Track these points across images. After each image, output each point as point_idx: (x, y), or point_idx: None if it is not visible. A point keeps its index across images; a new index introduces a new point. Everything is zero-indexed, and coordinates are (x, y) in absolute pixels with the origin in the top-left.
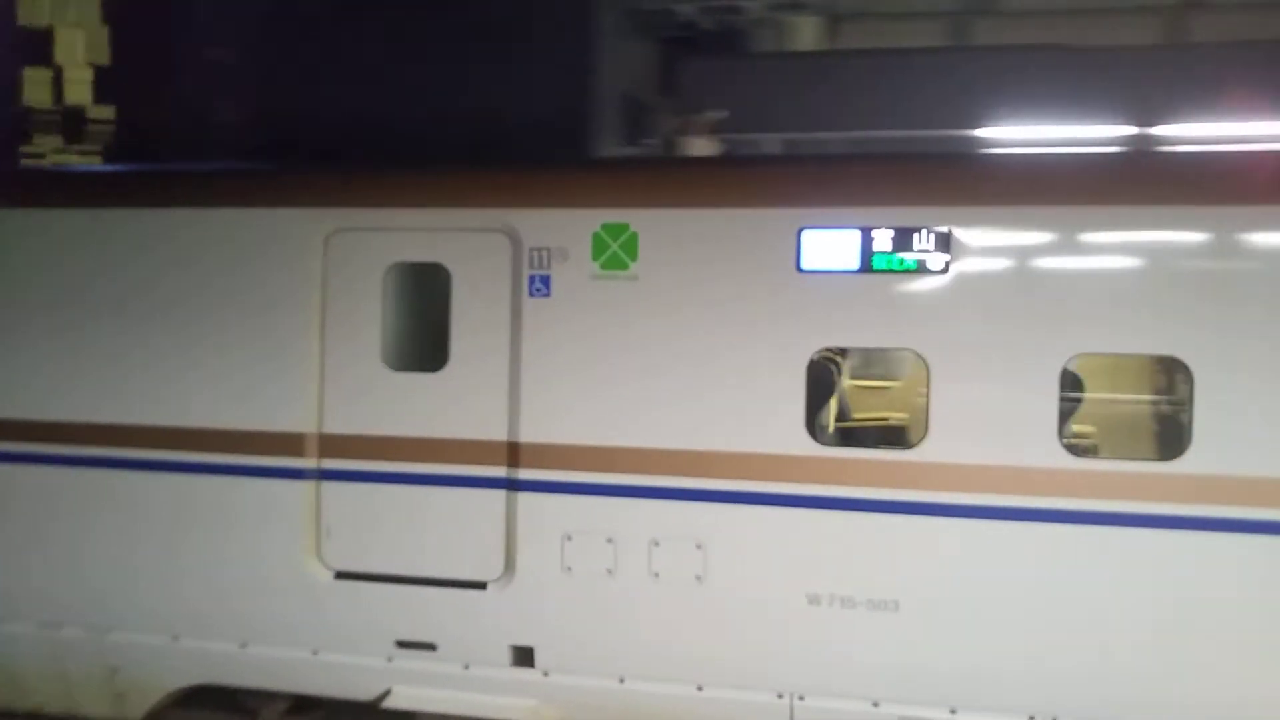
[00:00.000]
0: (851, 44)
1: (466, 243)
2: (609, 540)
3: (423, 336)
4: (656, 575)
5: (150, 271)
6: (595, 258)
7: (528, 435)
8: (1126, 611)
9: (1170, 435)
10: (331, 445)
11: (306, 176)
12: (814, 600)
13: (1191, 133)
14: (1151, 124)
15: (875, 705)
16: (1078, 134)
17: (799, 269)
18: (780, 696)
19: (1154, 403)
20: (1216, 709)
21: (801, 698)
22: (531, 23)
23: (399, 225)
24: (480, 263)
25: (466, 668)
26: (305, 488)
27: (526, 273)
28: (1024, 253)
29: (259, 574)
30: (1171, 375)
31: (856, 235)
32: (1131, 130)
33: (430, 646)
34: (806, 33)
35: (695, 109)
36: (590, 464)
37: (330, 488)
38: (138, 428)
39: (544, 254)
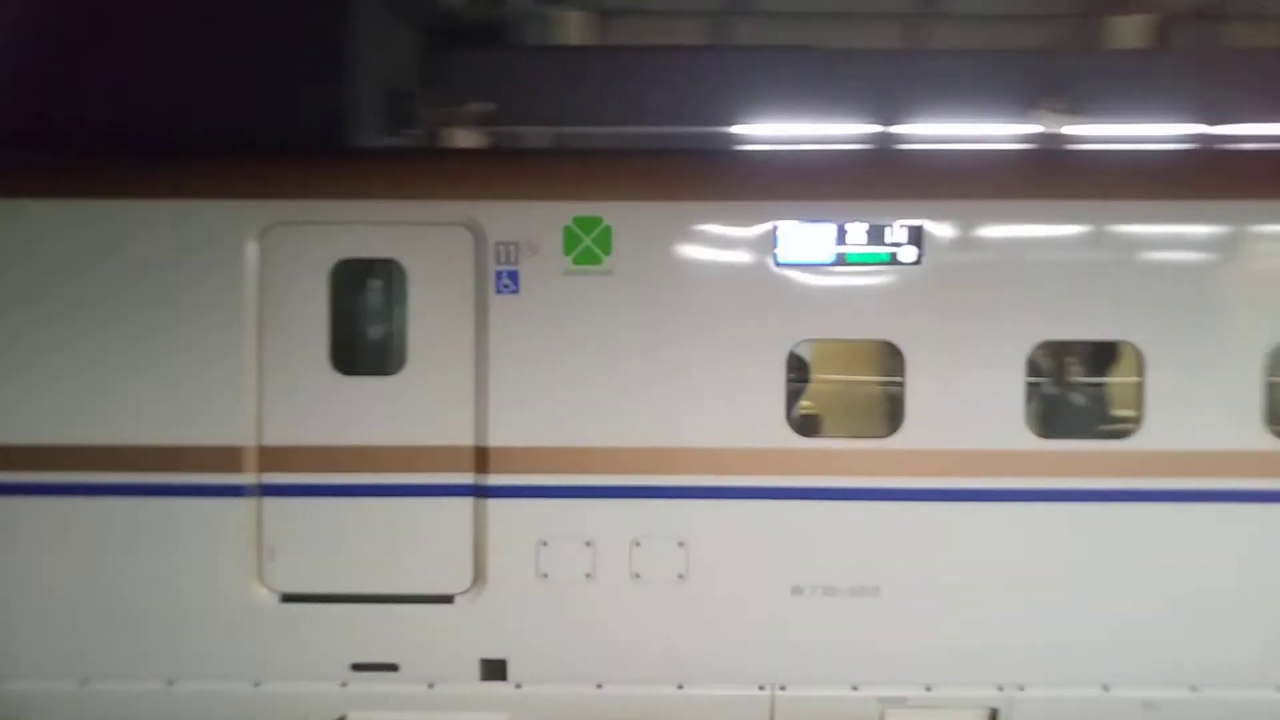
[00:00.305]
0: (618, 40)
1: (425, 238)
2: (588, 543)
3: (376, 337)
4: (638, 576)
5: (55, 270)
6: (567, 252)
7: (497, 439)
8: (1091, 582)
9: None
10: (274, 458)
11: (237, 165)
12: (797, 591)
13: (930, 132)
14: (893, 123)
15: (855, 689)
16: (828, 132)
17: (776, 263)
18: (762, 688)
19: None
20: (1178, 674)
21: (783, 688)
22: (285, 7)
23: (346, 219)
24: (441, 259)
25: (431, 686)
26: (244, 505)
27: (493, 269)
28: (991, 246)
29: (190, 603)
30: (1127, 359)
31: (832, 229)
32: (875, 129)
33: (391, 667)
34: (573, 27)
35: (461, 100)
36: (567, 466)
37: (273, 504)
38: (38, 447)
39: (511, 249)
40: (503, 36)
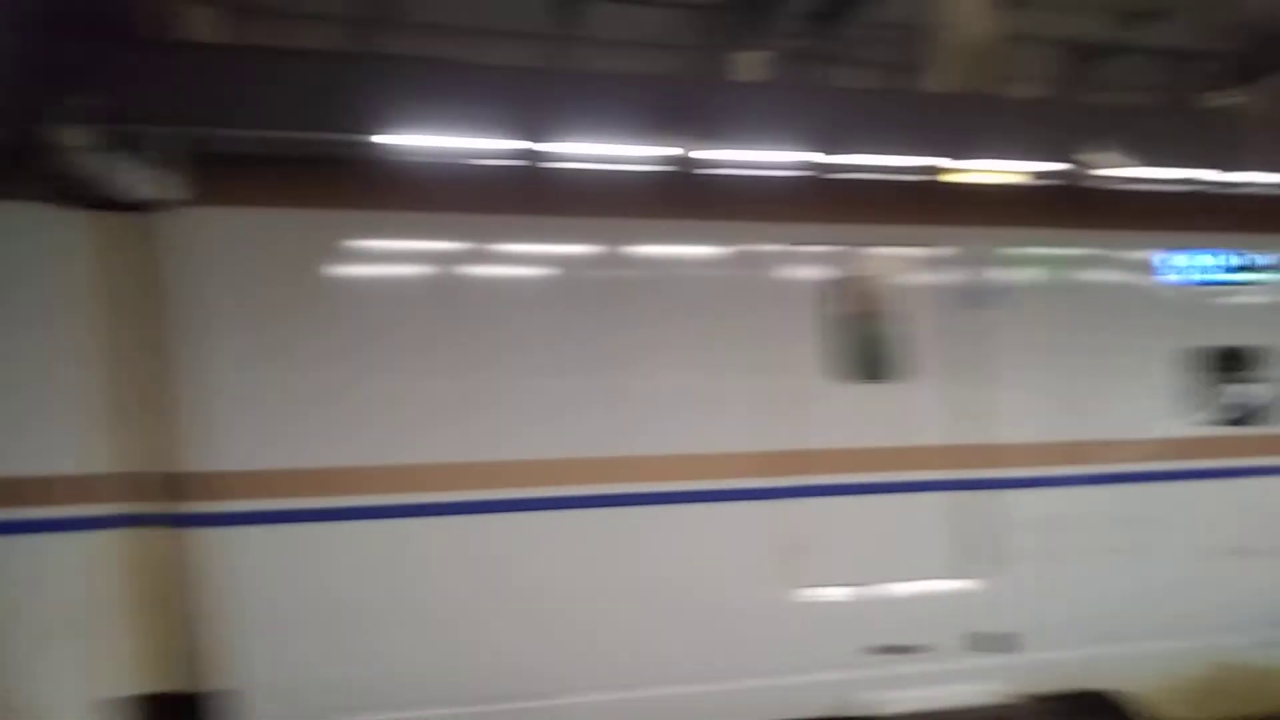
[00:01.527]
0: (252, 40)
1: None
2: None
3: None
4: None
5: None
6: None
7: None
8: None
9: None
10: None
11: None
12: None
13: (570, 151)
14: (533, 140)
15: None
16: (475, 146)
17: None
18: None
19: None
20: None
21: None
22: None
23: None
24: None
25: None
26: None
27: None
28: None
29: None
30: None
31: None
32: (518, 145)
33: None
34: (203, 25)
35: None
36: None
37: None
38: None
39: None
40: (121, 27)
